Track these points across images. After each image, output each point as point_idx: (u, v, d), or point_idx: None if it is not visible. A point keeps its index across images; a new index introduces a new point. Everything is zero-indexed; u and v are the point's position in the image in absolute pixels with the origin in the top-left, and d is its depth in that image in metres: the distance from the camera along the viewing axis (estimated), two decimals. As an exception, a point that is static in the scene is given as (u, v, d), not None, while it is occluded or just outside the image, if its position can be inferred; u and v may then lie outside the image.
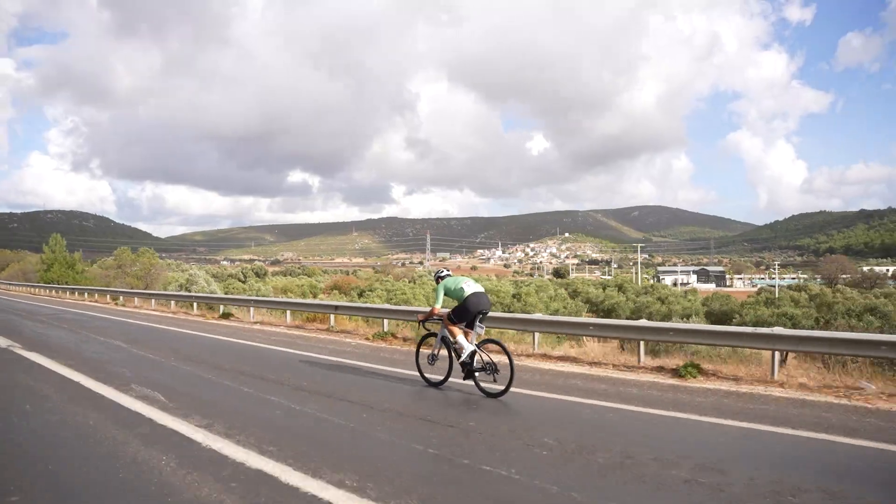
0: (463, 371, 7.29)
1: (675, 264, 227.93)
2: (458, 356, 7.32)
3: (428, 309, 8.12)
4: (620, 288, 72.35)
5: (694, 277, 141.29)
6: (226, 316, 17.67)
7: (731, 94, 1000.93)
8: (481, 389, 7.14)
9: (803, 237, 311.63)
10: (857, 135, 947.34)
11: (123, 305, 25.07)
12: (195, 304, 20.46)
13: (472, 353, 7.18)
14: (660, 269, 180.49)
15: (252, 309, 17.01)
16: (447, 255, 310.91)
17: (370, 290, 63.72)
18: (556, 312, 43.70)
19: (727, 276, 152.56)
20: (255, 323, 16.36)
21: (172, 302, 22.21)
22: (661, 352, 11.91)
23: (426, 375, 7.87)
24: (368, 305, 15.48)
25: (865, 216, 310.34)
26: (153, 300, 23.82)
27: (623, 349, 11.59)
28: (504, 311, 18.31)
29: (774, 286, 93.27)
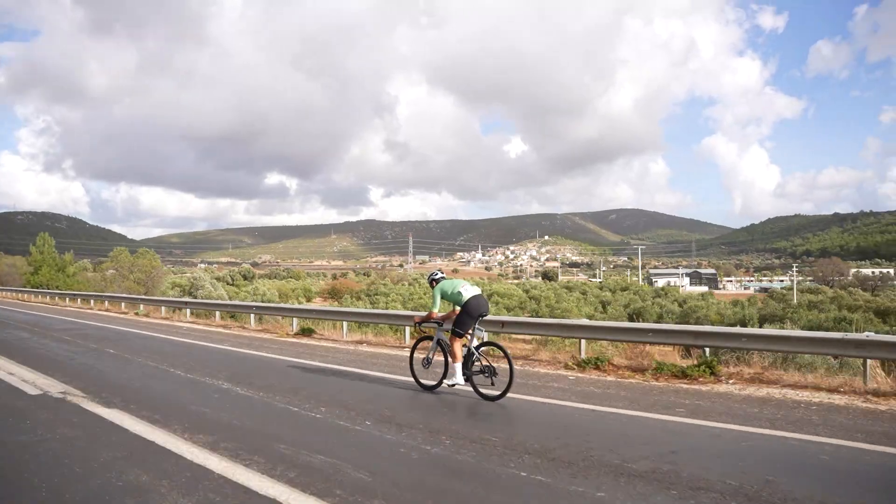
0: (462, 375, 7.19)
1: (654, 267, 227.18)
2: (450, 373, 7.26)
3: (425, 313, 7.94)
4: (632, 291, 69.80)
5: (686, 280, 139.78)
6: (306, 332, 13.84)
7: (706, 100, 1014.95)
8: (479, 393, 7.05)
9: (779, 240, 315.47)
10: (827, 140, 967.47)
11: (146, 316, 20.93)
12: (252, 317, 16.48)
13: (470, 356, 7.15)
14: (651, 271, 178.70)
15: (345, 324, 13.23)
16: (426, 257, 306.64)
17: (381, 294, 60.01)
18: (591, 317, 40.62)
19: (718, 279, 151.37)
20: (359, 343, 12.59)
21: (217, 313, 18.08)
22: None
23: (420, 380, 7.69)
24: (559, 322, 11.48)
25: (839, 219, 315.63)
26: (187, 310, 19.51)
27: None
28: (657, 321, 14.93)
29: (780, 288, 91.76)
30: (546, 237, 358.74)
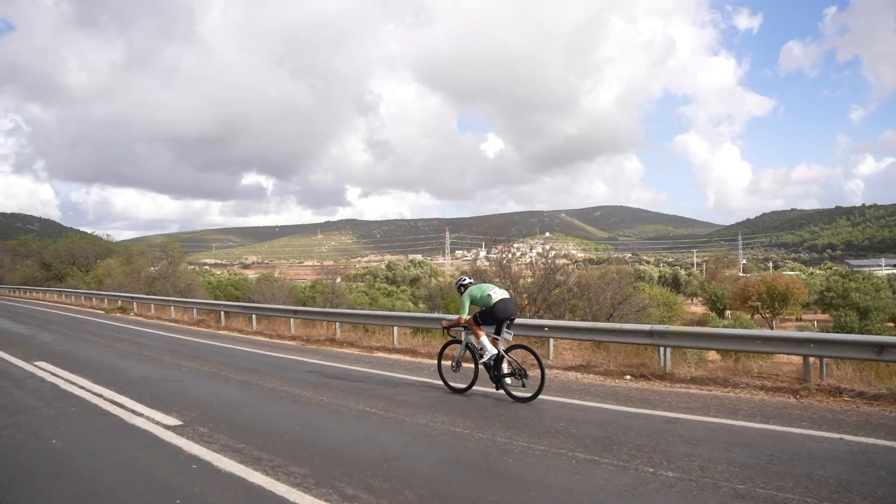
0: (491, 377, 7.45)
1: (646, 261, 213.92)
2: (480, 357, 7.52)
3: (454, 317, 8.23)
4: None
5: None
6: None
7: (681, 98, 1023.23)
8: (510, 395, 7.28)
9: (784, 234, 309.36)
10: (801, 137, 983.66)
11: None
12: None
13: (500, 358, 7.36)
14: (853, 262, 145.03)
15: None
16: (419, 256, 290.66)
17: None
18: None
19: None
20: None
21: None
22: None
23: (450, 383, 7.96)
24: None
25: (843, 212, 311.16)
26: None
27: None
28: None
29: None
30: (547, 234, 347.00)
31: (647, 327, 9.59)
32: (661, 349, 9.20)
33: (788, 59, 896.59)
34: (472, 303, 7.52)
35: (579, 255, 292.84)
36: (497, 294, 7.37)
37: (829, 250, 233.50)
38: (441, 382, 8.05)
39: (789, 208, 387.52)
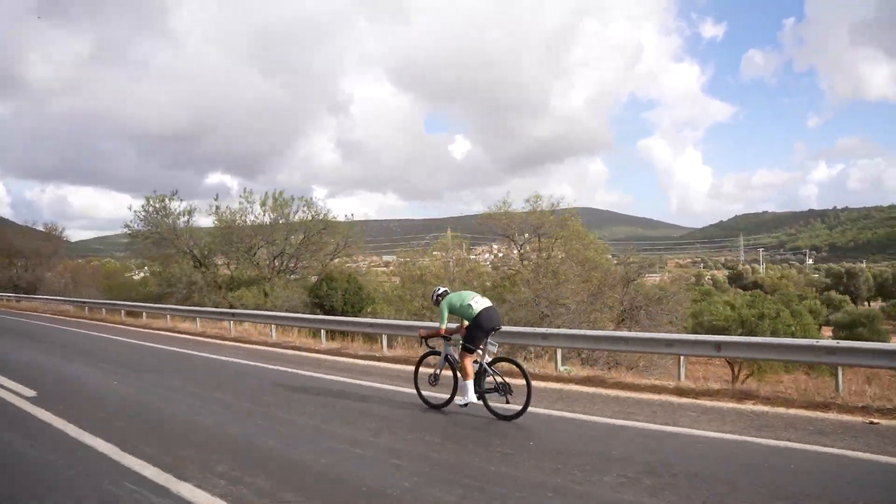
0: (476, 393, 6.71)
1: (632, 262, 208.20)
2: (457, 392, 6.84)
3: (435, 325, 7.79)
4: None
5: None
6: None
7: (647, 103, 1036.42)
8: (492, 412, 6.57)
9: (761, 236, 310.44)
10: (760, 143, 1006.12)
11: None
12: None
13: (482, 372, 6.67)
14: None
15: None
16: (392, 258, 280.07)
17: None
18: None
19: None
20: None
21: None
22: None
23: (425, 395, 7.24)
24: None
25: (816, 215, 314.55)
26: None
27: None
28: None
29: None
30: (526, 235, 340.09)
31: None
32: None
33: (750, 67, 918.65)
34: (450, 311, 6.82)
35: (562, 255, 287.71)
36: (479, 303, 6.70)
37: (815, 252, 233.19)
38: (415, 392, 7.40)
39: (761, 211, 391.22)
